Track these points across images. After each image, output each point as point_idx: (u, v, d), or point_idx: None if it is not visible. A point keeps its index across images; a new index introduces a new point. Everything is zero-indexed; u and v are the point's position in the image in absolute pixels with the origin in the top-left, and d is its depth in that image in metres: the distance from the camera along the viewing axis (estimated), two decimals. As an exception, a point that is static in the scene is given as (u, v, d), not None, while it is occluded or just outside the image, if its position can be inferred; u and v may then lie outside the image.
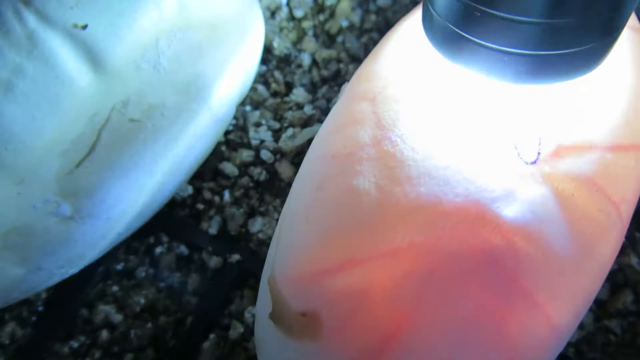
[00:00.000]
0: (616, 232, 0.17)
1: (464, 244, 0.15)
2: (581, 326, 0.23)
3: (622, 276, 0.23)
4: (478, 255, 0.15)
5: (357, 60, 0.29)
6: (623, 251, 0.23)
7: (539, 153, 0.16)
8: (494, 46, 0.14)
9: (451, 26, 0.15)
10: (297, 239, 0.17)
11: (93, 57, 0.17)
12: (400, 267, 0.15)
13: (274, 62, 0.29)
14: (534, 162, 0.15)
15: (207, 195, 0.25)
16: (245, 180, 0.25)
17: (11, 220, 0.17)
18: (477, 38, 0.14)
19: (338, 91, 0.28)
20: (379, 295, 0.15)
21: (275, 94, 0.28)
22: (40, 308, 0.24)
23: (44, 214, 0.17)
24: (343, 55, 0.29)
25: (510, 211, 0.15)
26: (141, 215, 0.22)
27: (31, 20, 0.16)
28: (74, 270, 0.20)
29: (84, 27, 0.17)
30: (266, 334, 0.18)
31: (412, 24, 0.19)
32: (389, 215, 0.16)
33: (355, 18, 0.30)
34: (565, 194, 0.15)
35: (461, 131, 0.16)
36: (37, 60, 0.16)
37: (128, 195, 0.20)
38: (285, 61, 0.29)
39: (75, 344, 0.23)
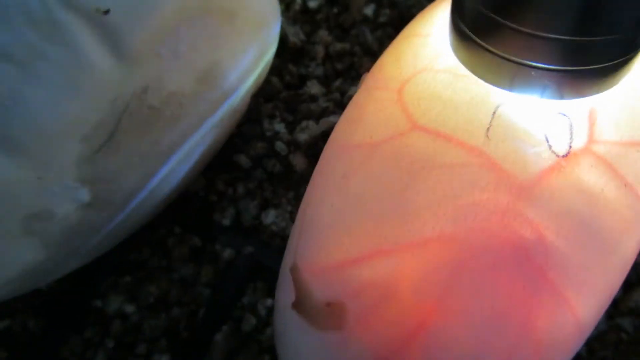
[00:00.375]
0: (641, 227, 0.17)
1: (493, 237, 0.15)
2: (595, 323, 0.23)
3: (635, 274, 0.23)
4: (508, 248, 0.15)
5: (370, 53, 0.29)
6: (638, 248, 0.23)
7: (570, 146, 0.15)
8: (518, 61, 0.14)
9: (476, 39, 0.15)
10: (322, 228, 0.17)
11: (114, 43, 0.17)
12: (429, 259, 0.15)
13: (287, 55, 0.28)
14: (565, 156, 0.15)
15: (220, 186, 0.25)
16: (258, 172, 0.25)
17: (31, 205, 0.16)
18: (503, 52, 0.15)
19: (352, 84, 0.28)
20: (407, 286, 0.15)
21: (288, 86, 0.28)
22: (53, 298, 0.23)
23: (64, 199, 0.17)
24: (357, 48, 0.29)
25: (540, 205, 0.15)
26: (157, 204, 0.21)
27: (53, 3, 0.16)
28: (90, 258, 0.20)
29: (106, 12, 0.16)
30: (287, 324, 0.17)
31: (438, 16, 0.19)
32: (417, 205, 0.15)
33: (369, 11, 0.30)
34: (595, 189, 0.15)
35: (491, 122, 0.16)
36: (58, 44, 0.16)
37: (145, 183, 0.19)
38: (298, 53, 0.29)
39: (88, 334, 0.23)
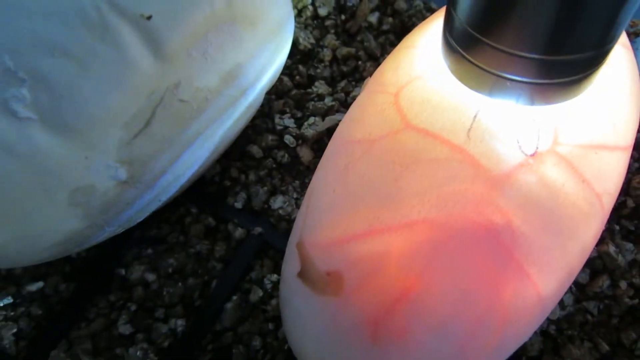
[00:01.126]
0: (597, 219, 0.19)
1: (469, 221, 0.18)
2: (562, 306, 0.25)
3: (601, 263, 0.26)
4: (480, 231, 0.18)
5: (373, 58, 0.31)
6: (602, 241, 0.26)
7: (537, 147, 0.18)
8: (497, 73, 0.17)
9: (463, 52, 0.18)
10: (325, 210, 0.20)
11: (154, 44, 0.20)
12: (415, 238, 0.18)
13: (297, 57, 0.31)
14: (532, 155, 0.18)
15: (234, 173, 0.28)
16: (269, 161, 0.28)
17: (78, 180, 0.19)
18: (484, 65, 0.17)
19: (356, 85, 0.30)
20: (395, 260, 0.18)
21: (298, 85, 0.30)
22: (82, 265, 0.26)
23: (105, 177, 0.20)
24: (361, 53, 0.31)
25: (509, 195, 0.18)
26: (179, 186, 0.24)
27: (105, 9, 0.18)
28: (121, 229, 0.23)
29: (149, 17, 0.19)
30: (292, 291, 0.20)
31: (433, 30, 0.22)
32: (407, 192, 0.18)
33: (374, 19, 0.32)
34: (556, 183, 0.18)
35: (472, 124, 0.19)
36: (108, 44, 0.19)
37: (172, 167, 0.22)
38: (308, 56, 0.31)
39: (112, 298, 0.25)
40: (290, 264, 0.21)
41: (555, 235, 0.18)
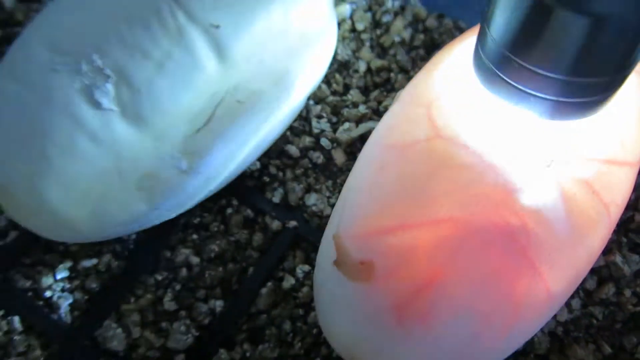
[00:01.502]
0: (604, 227, 0.22)
1: (489, 221, 0.20)
2: (570, 310, 0.27)
3: (608, 272, 0.28)
4: (499, 231, 0.20)
5: (404, 71, 0.34)
6: (610, 251, 0.28)
7: (554, 159, 0.21)
8: (523, 89, 0.19)
9: (493, 68, 0.20)
10: (361, 206, 0.22)
11: (220, 50, 0.22)
12: (440, 233, 0.20)
13: (335, 66, 0.34)
14: (549, 165, 0.21)
15: (272, 170, 0.31)
16: (305, 161, 0.31)
17: (147, 167, 0.22)
18: (512, 80, 0.19)
19: (387, 96, 0.33)
20: (422, 252, 0.20)
21: (334, 93, 0.33)
22: (132, 246, 0.29)
23: (170, 165, 0.22)
24: (393, 66, 0.34)
25: (526, 200, 0.20)
26: (227, 179, 0.27)
27: (181, 18, 0.21)
28: (174, 214, 0.26)
29: (217, 27, 0.22)
30: (327, 277, 0.23)
31: (463, 49, 0.24)
32: (435, 193, 0.21)
33: (406, 35, 0.35)
34: (569, 192, 0.21)
35: (495, 136, 0.21)
36: (182, 48, 0.21)
37: (225, 161, 0.25)
38: (344, 66, 0.34)
39: (159, 277, 0.28)
40: (326, 253, 0.23)
41: (565, 239, 0.21)
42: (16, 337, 0.27)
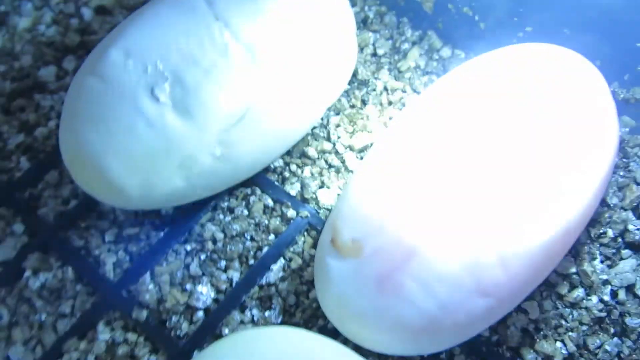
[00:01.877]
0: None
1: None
2: (542, 310, 0.31)
3: (578, 279, 0.31)
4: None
5: (417, 92, 0.39)
6: (582, 260, 0.31)
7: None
8: None
9: None
10: (357, 198, 0.27)
11: (256, 64, 0.28)
12: (418, 221, 0.25)
13: (355, 84, 0.39)
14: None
15: (293, 168, 0.36)
16: (321, 162, 0.36)
17: (189, 150, 0.27)
18: None
19: (399, 112, 0.38)
20: (400, 236, 0.25)
21: (352, 106, 0.38)
22: (168, 220, 0.34)
23: (207, 152, 0.28)
24: (407, 87, 0.39)
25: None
26: (252, 170, 0.32)
27: (228, 36, 0.27)
28: (205, 195, 0.31)
29: (254, 43, 0.27)
30: (325, 253, 0.27)
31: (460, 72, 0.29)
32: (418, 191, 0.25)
33: (422, 62, 0.40)
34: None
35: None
36: (225, 60, 0.27)
37: (252, 155, 0.30)
38: (364, 84, 0.39)
39: (188, 247, 0.33)
40: (326, 234, 0.28)
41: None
42: (68, 285, 0.32)
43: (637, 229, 0.32)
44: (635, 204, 0.33)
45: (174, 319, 0.31)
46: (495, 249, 0.25)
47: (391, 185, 0.26)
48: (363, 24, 0.41)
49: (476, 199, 0.25)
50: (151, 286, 0.32)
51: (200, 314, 0.32)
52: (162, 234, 0.34)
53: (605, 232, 0.32)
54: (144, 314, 0.31)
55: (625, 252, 0.32)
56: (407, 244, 0.25)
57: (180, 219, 0.34)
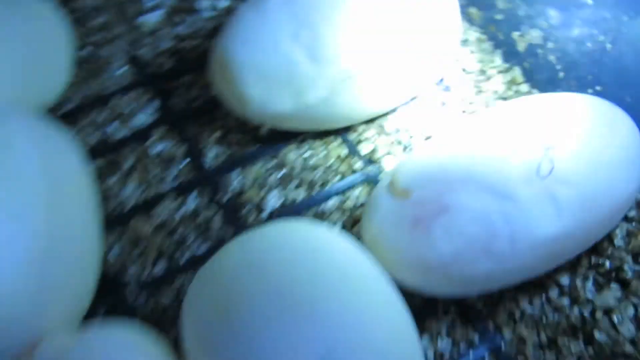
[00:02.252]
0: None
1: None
2: (531, 304, 0.38)
3: (569, 289, 0.38)
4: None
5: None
6: (576, 277, 0.38)
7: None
8: None
9: None
10: (417, 160, 0.35)
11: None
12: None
13: (440, 87, 0.47)
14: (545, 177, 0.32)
15: (371, 133, 0.44)
16: (393, 138, 0.44)
17: (306, 86, 0.37)
18: None
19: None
20: (442, 194, 0.33)
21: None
22: (265, 138, 0.43)
23: (318, 92, 0.37)
24: (482, 103, 0.46)
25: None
26: (345, 122, 0.41)
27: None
28: (305, 128, 0.41)
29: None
30: (381, 193, 0.35)
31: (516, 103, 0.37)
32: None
33: (500, 89, 0.47)
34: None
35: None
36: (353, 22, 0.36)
37: (353, 109, 0.40)
38: (447, 89, 0.47)
39: (272, 164, 0.42)
40: (386, 179, 0.36)
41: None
42: (177, 159, 0.42)
43: (631, 271, 0.38)
44: (636, 251, 0.39)
45: (248, 207, 0.40)
46: (509, 228, 0.32)
47: (442, 161, 0.34)
48: (463, 43, 0.49)
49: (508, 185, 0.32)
50: (240, 176, 0.41)
51: (265, 214, 0.40)
52: (257, 146, 0.43)
53: (603, 264, 0.39)
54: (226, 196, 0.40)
55: (614, 285, 0.38)
56: (443, 202, 0.32)
57: (273, 140, 0.43)
